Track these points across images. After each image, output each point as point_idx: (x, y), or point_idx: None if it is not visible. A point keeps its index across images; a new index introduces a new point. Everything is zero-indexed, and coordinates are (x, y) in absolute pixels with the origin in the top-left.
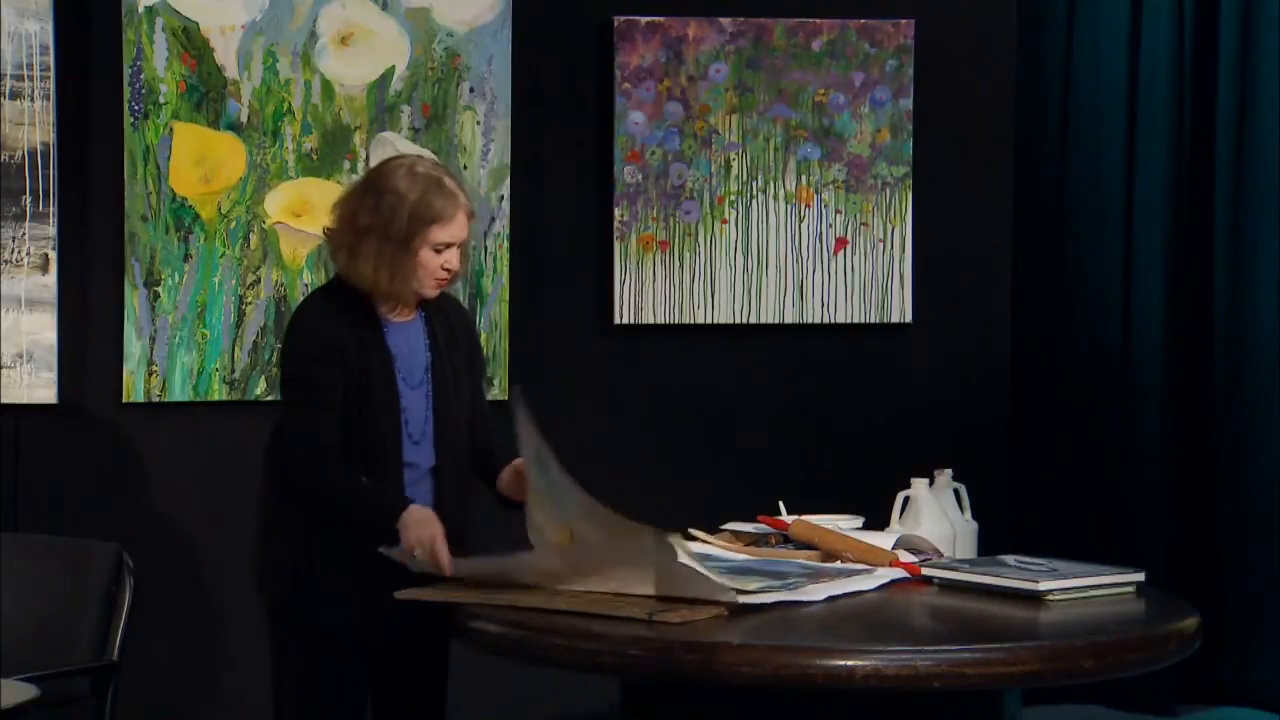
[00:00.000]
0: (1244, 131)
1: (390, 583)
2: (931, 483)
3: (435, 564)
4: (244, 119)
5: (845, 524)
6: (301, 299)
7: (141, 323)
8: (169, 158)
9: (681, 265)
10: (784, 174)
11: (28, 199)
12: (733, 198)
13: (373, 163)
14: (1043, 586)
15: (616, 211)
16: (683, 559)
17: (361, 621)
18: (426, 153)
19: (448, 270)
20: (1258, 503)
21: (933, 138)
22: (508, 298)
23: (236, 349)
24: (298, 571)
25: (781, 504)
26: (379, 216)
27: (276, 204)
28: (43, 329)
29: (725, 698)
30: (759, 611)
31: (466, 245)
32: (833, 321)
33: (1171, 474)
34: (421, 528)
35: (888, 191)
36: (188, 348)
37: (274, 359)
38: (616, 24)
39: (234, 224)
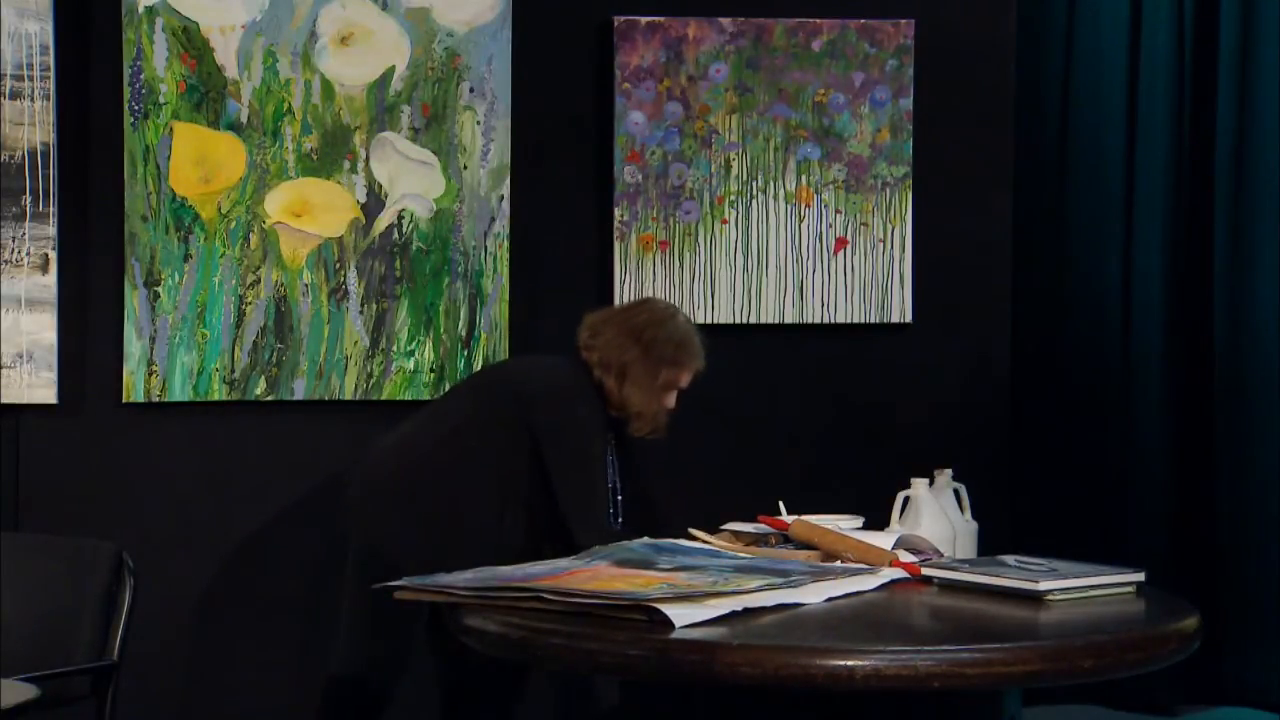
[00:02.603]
0: (1244, 131)
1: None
2: (931, 483)
3: None
4: (244, 119)
5: (845, 524)
6: (562, 372)
7: (141, 323)
8: (169, 158)
9: (681, 265)
10: (784, 174)
11: (28, 199)
12: (733, 198)
13: (373, 163)
14: (1043, 586)
15: (616, 211)
16: None
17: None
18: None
19: (668, 412)
20: (1258, 503)
21: (933, 138)
22: (508, 298)
23: (236, 349)
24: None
25: (781, 504)
26: (649, 351)
27: (276, 204)
28: (43, 329)
29: (725, 698)
30: (759, 611)
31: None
32: (833, 321)
33: (1171, 474)
34: None
35: (888, 191)
36: (188, 348)
37: (274, 359)
38: (616, 24)
39: (234, 224)
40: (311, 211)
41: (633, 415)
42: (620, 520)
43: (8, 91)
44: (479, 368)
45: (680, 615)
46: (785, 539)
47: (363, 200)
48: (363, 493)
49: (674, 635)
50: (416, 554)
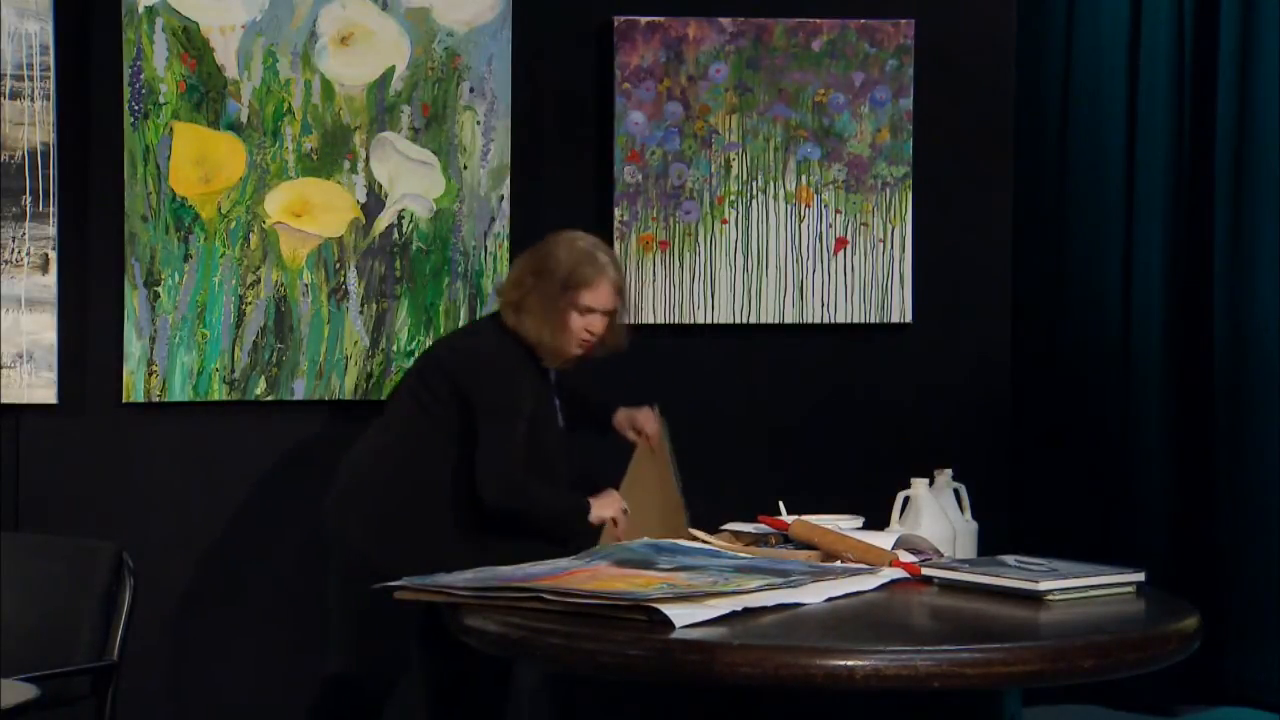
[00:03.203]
0: (1244, 131)
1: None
2: (931, 483)
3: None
4: (244, 119)
5: (845, 524)
6: (477, 333)
7: (141, 323)
8: (169, 158)
9: (681, 265)
10: (784, 174)
11: (28, 199)
12: (733, 198)
13: (373, 163)
14: (1043, 586)
15: (616, 211)
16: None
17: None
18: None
19: (590, 333)
20: (1258, 502)
21: (933, 138)
22: None
23: (236, 349)
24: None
25: (781, 504)
26: (540, 280)
27: (276, 204)
28: (43, 329)
29: (725, 698)
30: (759, 611)
31: (618, 313)
32: (833, 321)
33: (1171, 474)
34: (614, 500)
35: (888, 191)
36: (188, 348)
37: (274, 359)
38: (616, 24)
39: (234, 224)
40: (311, 211)
41: (536, 349)
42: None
43: (8, 91)
44: None
45: (680, 615)
46: (785, 539)
47: (363, 200)
48: (335, 502)
49: (674, 635)
50: (392, 550)
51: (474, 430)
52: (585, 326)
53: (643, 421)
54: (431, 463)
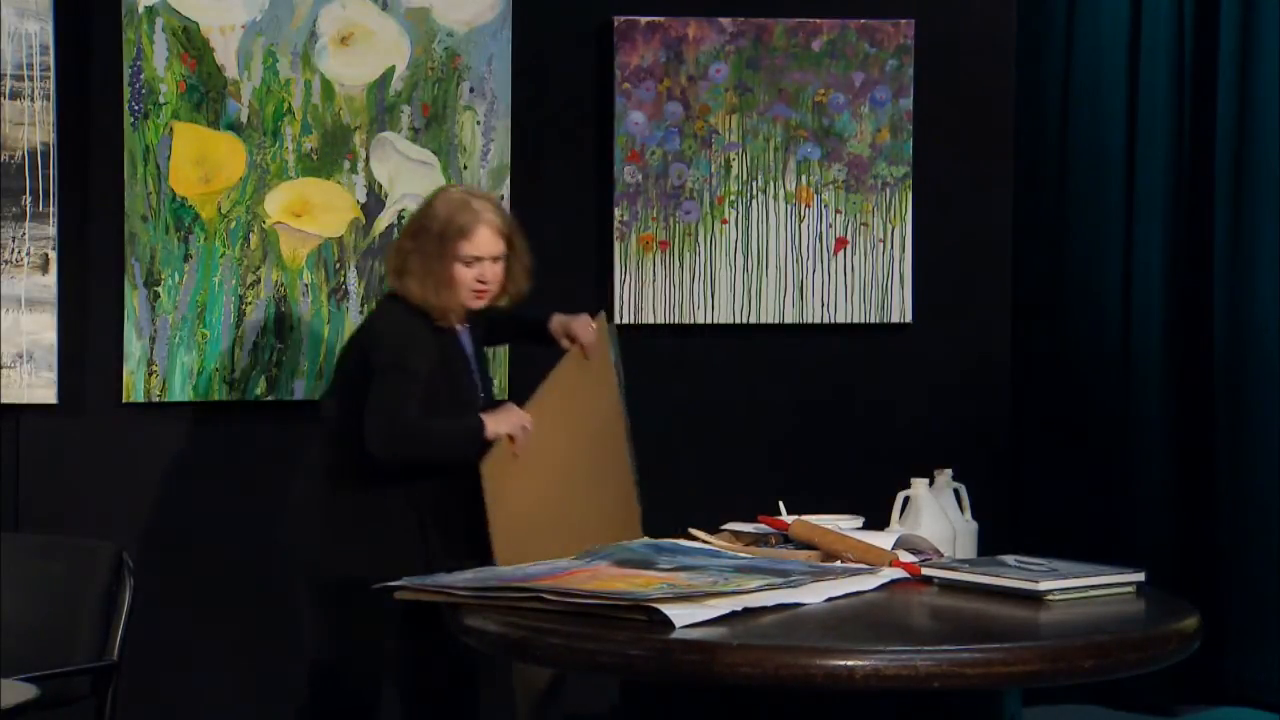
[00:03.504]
0: (1244, 131)
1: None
2: (931, 483)
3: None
4: (244, 119)
5: (845, 524)
6: (376, 304)
7: (141, 323)
8: (169, 158)
9: (681, 265)
10: (784, 174)
11: (28, 199)
12: (733, 198)
13: (373, 163)
14: (1043, 586)
15: (616, 211)
16: None
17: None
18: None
19: (482, 282)
20: (1258, 502)
21: (933, 138)
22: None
23: (236, 349)
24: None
25: (781, 504)
26: (417, 239)
27: (276, 204)
28: (43, 329)
29: (725, 698)
30: (759, 611)
31: (509, 261)
32: (833, 321)
33: (1171, 473)
34: (512, 415)
35: (888, 191)
36: (188, 348)
37: (274, 359)
38: (616, 24)
39: (234, 224)
40: (311, 211)
41: (426, 310)
42: None
43: (8, 91)
44: None
45: (680, 615)
46: (785, 539)
47: (363, 200)
48: (290, 518)
49: (674, 635)
50: (347, 547)
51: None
52: (476, 276)
53: (577, 329)
54: (358, 437)
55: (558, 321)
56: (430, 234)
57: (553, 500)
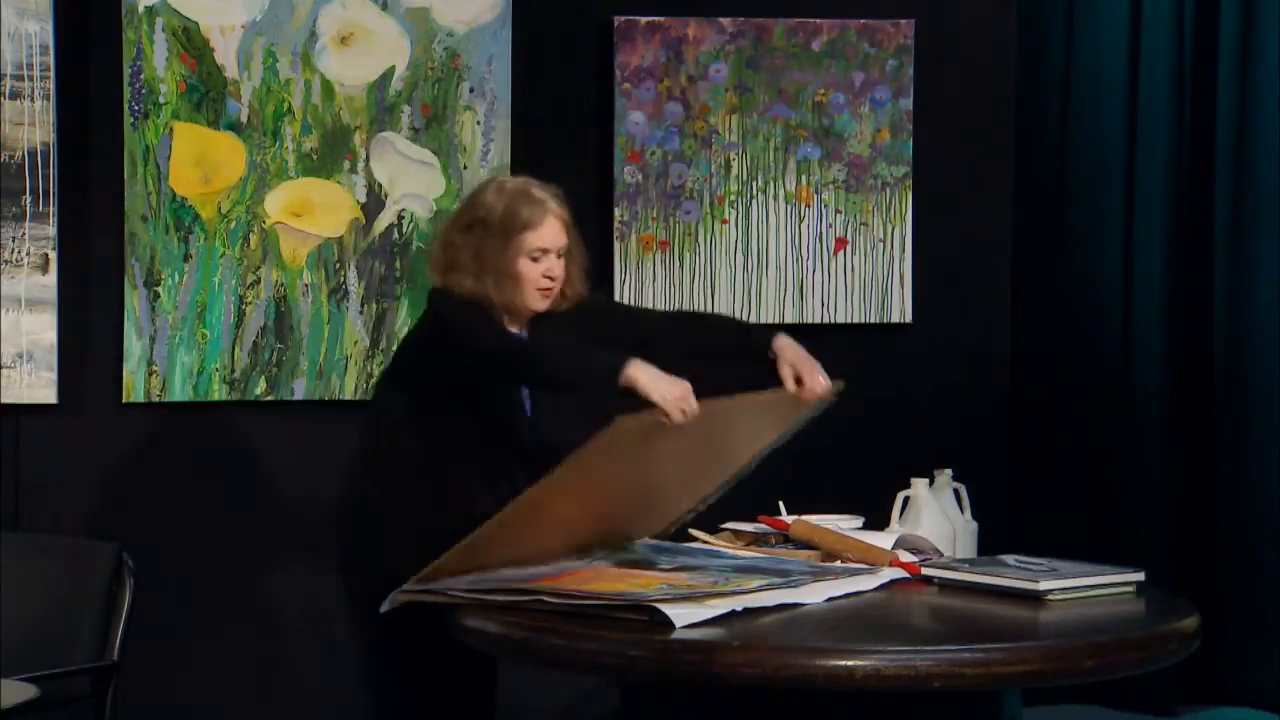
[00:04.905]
0: (1244, 131)
1: None
2: (931, 483)
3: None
4: (244, 119)
5: (845, 524)
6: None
7: (141, 323)
8: (169, 158)
9: (681, 265)
10: (784, 174)
11: (28, 199)
12: (733, 198)
13: (373, 163)
14: (1043, 586)
15: (616, 211)
16: None
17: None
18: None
19: (550, 279)
20: (1258, 502)
21: (933, 138)
22: None
23: (236, 349)
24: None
25: (781, 504)
26: (471, 232)
27: (276, 204)
28: (43, 329)
29: (725, 698)
30: (759, 611)
31: (573, 254)
32: (833, 321)
33: (1172, 473)
34: (677, 385)
35: (888, 191)
36: (188, 348)
37: (274, 359)
38: (616, 24)
39: (234, 224)
40: (311, 211)
41: (504, 312)
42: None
43: (8, 91)
44: None
45: (680, 615)
46: (785, 539)
47: (363, 200)
48: (339, 527)
49: (674, 635)
50: (399, 551)
51: (445, 403)
52: (544, 272)
53: (807, 372)
54: (412, 453)
55: (790, 351)
56: (489, 226)
57: (577, 513)
